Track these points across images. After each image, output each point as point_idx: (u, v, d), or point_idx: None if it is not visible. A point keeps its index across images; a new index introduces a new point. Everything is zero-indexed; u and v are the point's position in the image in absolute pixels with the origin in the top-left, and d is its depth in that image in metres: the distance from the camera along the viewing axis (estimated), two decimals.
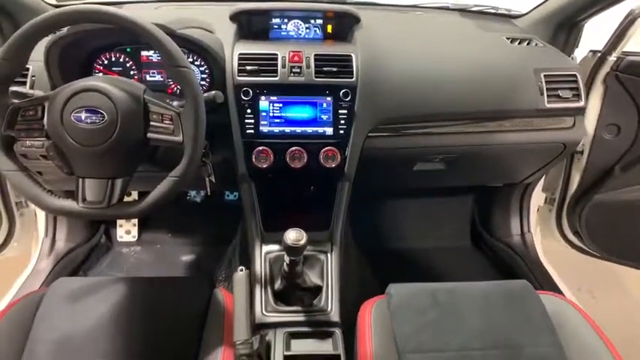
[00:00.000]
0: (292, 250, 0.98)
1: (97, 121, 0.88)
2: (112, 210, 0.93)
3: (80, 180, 0.92)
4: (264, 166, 1.14)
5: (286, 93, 1.16)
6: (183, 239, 1.80)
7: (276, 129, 1.16)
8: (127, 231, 1.78)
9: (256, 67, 1.15)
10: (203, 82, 1.29)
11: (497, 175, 1.56)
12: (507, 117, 1.31)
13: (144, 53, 1.27)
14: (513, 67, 1.32)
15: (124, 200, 0.94)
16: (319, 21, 1.40)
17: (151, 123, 0.92)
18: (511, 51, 1.38)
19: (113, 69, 1.27)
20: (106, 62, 1.26)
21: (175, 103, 0.96)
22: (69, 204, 0.92)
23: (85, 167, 0.92)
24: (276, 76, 1.16)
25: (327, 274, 1.16)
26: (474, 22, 1.53)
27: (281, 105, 1.16)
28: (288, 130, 1.17)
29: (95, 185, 0.92)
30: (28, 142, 0.96)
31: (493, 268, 1.79)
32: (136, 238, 1.78)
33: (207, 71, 1.28)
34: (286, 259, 1.04)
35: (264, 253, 1.20)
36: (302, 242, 0.97)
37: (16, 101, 0.91)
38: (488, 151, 1.35)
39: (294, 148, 1.14)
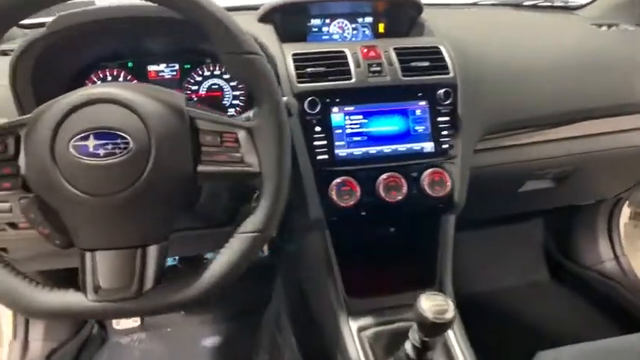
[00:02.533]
0: (433, 327, 0.63)
1: (117, 151, 0.52)
2: (148, 300, 0.55)
3: (88, 255, 0.55)
4: (350, 203, 0.79)
5: (366, 100, 0.84)
6: (201, 316, 1.37)
7: (358, 150, 0.83)
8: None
9: (322, 69, 0.83)
10: (237, 102, 0.95)
11: (602, 189, 1.27)
12: (626, 112, 1.03)
13: (152, 68, 0.92)
14: (620, 52, 1.07)
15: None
16: (368, 19, 1.10)
17: (203, 149, 0.56)
18: (608, 36, 1.12)
19: None
20: (98, 83, 0.90)
21: (244, 116, 0.62)
22: (72, 299, 0.54)
23: (97, 232, 0.54)
24: (350, 79, 0.83)
25: (454, 354, 0.80)
26: (543, 15, 1.28)
27: (361, 117, 0.83)
28: (373, 150, 0.83)
29: (115, 261, 0.55)
30: None
31: (585, 301, 1.48)
32: (139, 322, 1.36)
33: (240, 86, 0.94)
34: (412, 339, 0.68)
35: (356, 330, 0.83)
36: (449, 315, 0.62)
37: None
38: (608, 158, 1.06)
39: (388, 175, 0.81)
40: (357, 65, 0.84)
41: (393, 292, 0.87)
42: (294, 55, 0.85)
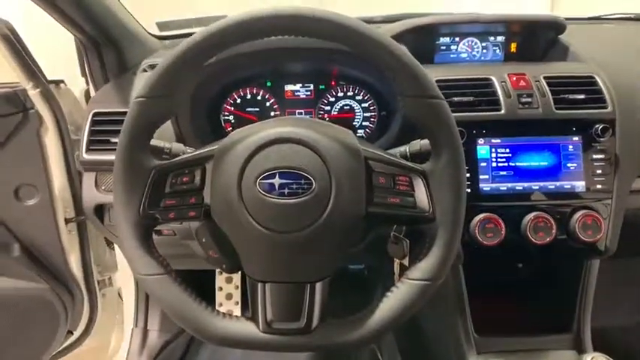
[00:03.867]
0: None
1: (300, 191, 0.53)
2: (317, 337, 0.56)
3: (260, 286, 0.56)
4: (494, 242, 0.76)
5: (514, 133, 0.79)
6: None
7: (504, 185, 0.79)
8: (227, 295, 1.42)
9: (470, 99, 0.79)
10: (367, 123, 0.94)
11: None
12: None
13: (288, 87, 0.93)
14: None
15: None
16: (500, 38, 1.05)
17: (376, 191, 0.56)
18: None
19: (247, 110, 0.93)
20: (238, 101, 0.93)
21: (399, 150, 0.61)
22: (246, 329, 0.56)
23: (272, 266, 0.56)
24: (499, 109, 0.79)
25: None
26: None
27: (508, 150, 0.79)
28: (520, 186, 0.79)
29: (285, 295, 0.56)
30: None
31: None
32: (239, 303, 1.41)
33: (372, 108, 0.94)
34: None
35: None
36: None
37: (158, 162, 0.57)
38: None
39: (536, 215, 0.76)
40: (507, 95, 0.80)
41: (524, 333, 0.83)
42: (437, 81, 0.82)
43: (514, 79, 0.82)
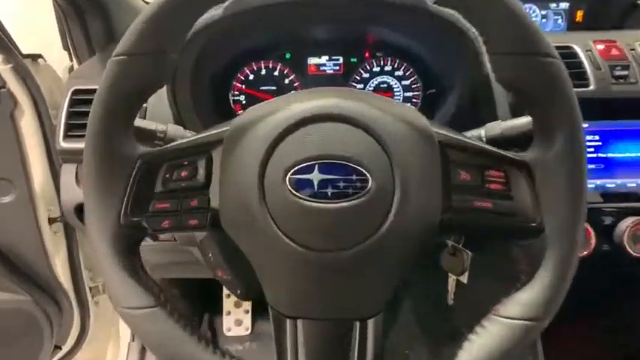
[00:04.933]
0: None
1: (350, 191, 0.36)
2: None
3: (290, 323, 0.40)
4: (582, 253, 0.59)
5: (606, 115, 0.62)
6: None
7: (592, 182, 0.62)
8: (236, 321, 1.26)
9: None
10: (408, 105, 0.77)
11: None
12: None
13: (312, 61, 0.77)
14: None
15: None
16: (564, 5, 0.87)
17: (456, 191, 0.39)
18: None
19: (262, 88, 0.77)
20: (251, 77, 0.76)
21: (472, 134, 0.45)
22: None
23: (307, 297, 0.40)
24: (587, 85, 0.62)
25: None
26: None
27: (597, 138, 0.62)
28: (612, 183, 0.62)
29: (325, 335, 0.40)
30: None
31: None
32: (249, 330, 1.25)
33: (415, 86, 0.77)
34: None
35: None
36: None
37: (146, 149, 0.41)
38: None
39: (635, 221, 0.59)
40: (597, 67, 0.63)
41: None
42: None
43: (602, 47, 0.64)
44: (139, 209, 0.40)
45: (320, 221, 0.36)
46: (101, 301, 1.17)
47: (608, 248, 0.60)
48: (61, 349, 1.05)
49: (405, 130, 0.38)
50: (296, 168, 0.37)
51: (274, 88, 0.76)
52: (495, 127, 0.48)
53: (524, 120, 0.45)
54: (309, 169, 0.37)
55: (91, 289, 1.13)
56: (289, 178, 0.37)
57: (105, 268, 0.40)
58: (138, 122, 0.46)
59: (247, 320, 1.27)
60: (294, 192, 0.36)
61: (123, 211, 0.40)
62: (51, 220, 0.94)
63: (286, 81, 0.76)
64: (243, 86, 0.76)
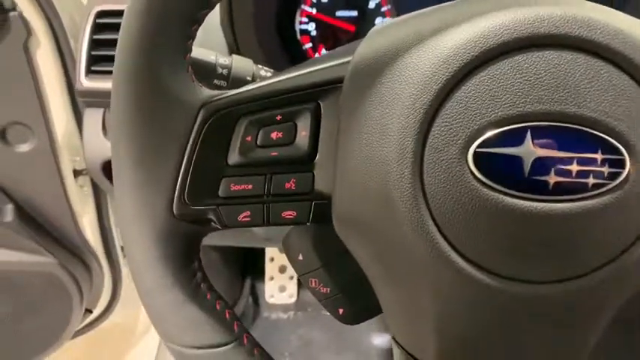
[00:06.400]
0: None
1: (592, 181, 0.20)
2: None
3: None
4: None
5: None
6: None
7: None
8: (280, 287, 1.14)
9: None
10: None
11: None
12: None
13: None
14: None
15: None
16: None
17: None
18: None
19: (339, 14, 0.58)
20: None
21: None
22: None
23: (471, 345, 0.24)
24: None
25: None
26: None
27: None
28: None
29: None
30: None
31: None
32: (295, 298, 1.14)
33: None
34: None
35: None
36: None
37: (212, 93, 0.25)
38: None
39: None
40: None
41: None
42: None
43: None
44: (204, 192, 0.25)
45: (531, 234, 0.20)
46: None
47: None
48: (92, 312, 0.96)
49: None
50: (487, 135, 0.20)
51: (354, 12, 0.58)
52: None
53: None
54: (513, 139, 0.20)
55: (122, 248, 1.02)
56: (474, 153, 0.20)
57: (147, 283, 0.26)
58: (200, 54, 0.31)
59: (292, 287, 1.15)
60: (481, 178, 0.20)
61: (177, 195, 0.25)
62: (76, 173, 0.81)
63: (372, 4, 0.57)
64: (314, 10, 0.58)
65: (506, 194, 0.20)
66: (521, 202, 0.20)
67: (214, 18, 0.52)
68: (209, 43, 0.51)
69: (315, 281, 0.31)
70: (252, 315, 1.14)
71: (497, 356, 0.23)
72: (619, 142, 0.20)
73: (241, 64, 0.34)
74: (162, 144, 0.24)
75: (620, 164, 0.20)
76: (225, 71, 0.33)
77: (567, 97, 0.20)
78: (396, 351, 0.27)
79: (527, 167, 0.20)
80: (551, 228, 0.20)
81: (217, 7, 0.49)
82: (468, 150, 0.20)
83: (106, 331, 1.08)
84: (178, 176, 0.24)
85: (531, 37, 0.20)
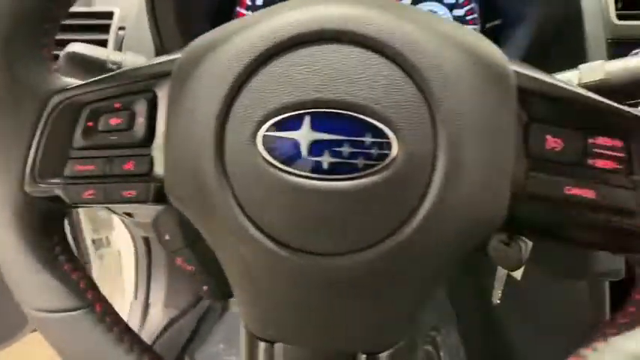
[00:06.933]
0: None
1: (361, 161, 0.22)
2: None
3: (264, 350, 0.27)
4: None
5: None
6: None
7: None
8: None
9: None
10: None
11: None
12: None
13: None
14: None
15: None
16: None
17: (539, 170, 0.24)
18: None
19: None
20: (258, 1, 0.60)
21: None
22: None
23: (294, 317, 0.26)
24: None
25: None
26: None
27: None
28: None
29: None
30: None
31: None
32: None
33: (471, 17, 0.58)
34: None
35: None
36: None
37: (61, 84, 0.28)
38: None
39: None
40: None
41: None
42: None
43: None
44: (52, 171, 0.27)
45: (310, 209, 0.22)
46: (106, 255, 1.09)
47: None
48: None
49: (463, 63, 0.23)
50: (273, 120, 0.22)
51: None
52: (595, 70, 0.31)
53: None
54: (294, 123, 0.22)
55: (94, 241, 1.06)
56: (263, 137, 0.22)
57: (6, 255, 0.28)
58: (82, 49, 0.33)
59: None
60: (268, 159, 0.22)
61: (28, 174, 0.27)
62: None
63: None
64: (249, 13, 0.60)
65: (289, 173, 0.22)
66: (302, 180, 0.22)
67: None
68: (142, 45, 0.54)
69: (181, 260, 0.33)
70: (220, 311, 1.16)
71: (305, 318, 0.26)
72: (387, 127, 0.22)
73: (133, 59, 0.37)
74: (15, 128, 0.27)
75: (388, 147, 0.22)
76: (115, 67, 0.36)
77: (341, 86, 0.22)
78: (242, 330, 0.29)
79: (304, 149, 0.22)
80: (329, 204, 0.22)
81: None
82: (257, 133, 0.22)
83: None
84: (28, 157, 0.27)
85: (317, 32, 0.22)
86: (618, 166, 0.23)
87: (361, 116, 0.22)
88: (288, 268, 0.23)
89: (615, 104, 0.24)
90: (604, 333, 0.25)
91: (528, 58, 0.51)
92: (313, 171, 0.22)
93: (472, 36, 0.24)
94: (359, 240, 0.22)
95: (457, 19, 0.59)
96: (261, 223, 0.23)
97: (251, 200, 0.23)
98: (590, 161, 0.24)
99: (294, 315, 0.26)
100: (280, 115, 0.22)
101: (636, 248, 0.25)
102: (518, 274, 0.48)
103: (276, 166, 0.22)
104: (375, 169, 0.22)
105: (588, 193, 0.23)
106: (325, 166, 0.22)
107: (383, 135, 0.22)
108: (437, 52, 0.22)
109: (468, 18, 0.58)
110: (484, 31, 0.58)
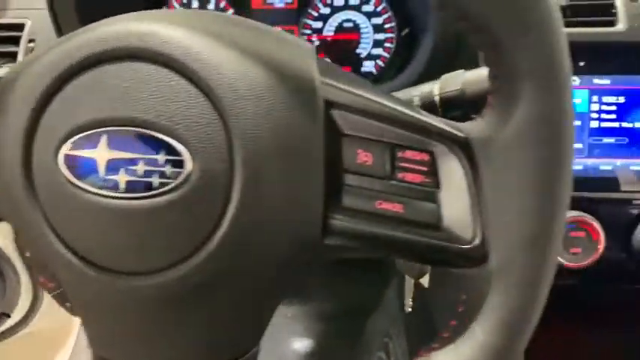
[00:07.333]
0: None
1: (156, 179, 0.22)
2: None
3: None
4: (583, 263, 0.43)
5: (635, 68, 0.44)
6: (292, 309, 1.12)
7: (609, 163, 0.45)
8: None
9: (563, 2, 0.44)
10: (378, 51, 0.60)
11: None
12: None
13: None
14: None
15: None
16: None
17: (349, 182, 0.24)
18: None
19: None
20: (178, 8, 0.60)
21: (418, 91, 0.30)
22: None
23: (113, 333, 0.26)
24: (614, 23, 0.44)
25: None
26: None
27: (621, 100, 0.44)
28: (637, 165, 0.45)
29: None
30: None
31: None
32: None
33: (389, 25, 0.59)
34: None
35: None
36: None
37: None
38: None
39: None
40: None
41: None
42: None
43: None
44: None
45: (110, 228, 0.22)
46: None
47: (623, 256, 0.44)
48: (9, 316, 0.98)
49: (262, 80, 0.23)
50: (73, 139, 0.22)
51: None
52: (456, 80, 0.32)
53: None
54: (91, 142, 0.22)
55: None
56: (65, 155, 0.22)
57: None
58: None
59: None
60: (69, 177, 0.22)
61: None
62: None
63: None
64: None
65: (89, 192, 0.22)
66: (101, 199, 0.22)
67: None
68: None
69: (43, 277, 0.32)
70: None
71: (132, 339, 0.25)
72: (180, 143, 0.22)
73: None
74: None
75: (181, 164, 0.22)
76: None
77: (136, 104, 0.22)
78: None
79: (102, 168, 0.22)
80: (127, 223, 0.22)
81: None
82: (58, 153, 0.22)
83: (33, 337, 1.09)
84: None
85: (120, 48, 0.22)
86: (426, 180, 0.23)
87: (155, 134, 0.22)
88: (99, 288, 0.23)
89: (420, 116, 0.24)
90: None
91: (435, 64, 0.51)
92: (111, 190, 0.22)
93: (277, 49, 0.24)
94: (159, 259, 0.22)
95: (376, 27, 0.59)
96: (70, 243, 0.23)
97: (59, 218, 0.23)
98: (400, 175, 0.24)
99: (120, 333, 0.26)
100: (79, 133, 0.22)
101: (442, 263, 0.25)
102: (425, 282, 0.49)
103: (76, 185, 0.22)
104: (170, 187, 0.21)
105: (397, 207, 0.23)
106: (122, 185, 0.22)
107: (176, 152, 0.22)
108: (233, 70, 0.22)
109: (386, 26, 0.59)
110: (401, 39, 0.58)
